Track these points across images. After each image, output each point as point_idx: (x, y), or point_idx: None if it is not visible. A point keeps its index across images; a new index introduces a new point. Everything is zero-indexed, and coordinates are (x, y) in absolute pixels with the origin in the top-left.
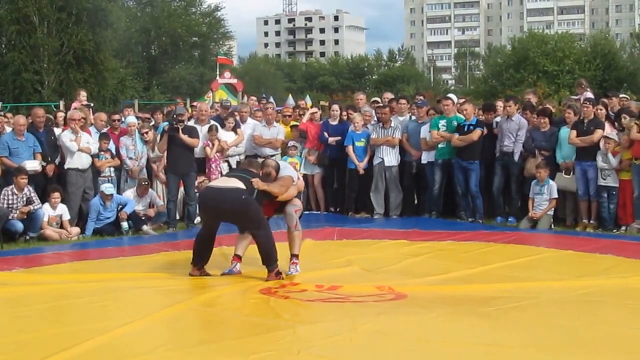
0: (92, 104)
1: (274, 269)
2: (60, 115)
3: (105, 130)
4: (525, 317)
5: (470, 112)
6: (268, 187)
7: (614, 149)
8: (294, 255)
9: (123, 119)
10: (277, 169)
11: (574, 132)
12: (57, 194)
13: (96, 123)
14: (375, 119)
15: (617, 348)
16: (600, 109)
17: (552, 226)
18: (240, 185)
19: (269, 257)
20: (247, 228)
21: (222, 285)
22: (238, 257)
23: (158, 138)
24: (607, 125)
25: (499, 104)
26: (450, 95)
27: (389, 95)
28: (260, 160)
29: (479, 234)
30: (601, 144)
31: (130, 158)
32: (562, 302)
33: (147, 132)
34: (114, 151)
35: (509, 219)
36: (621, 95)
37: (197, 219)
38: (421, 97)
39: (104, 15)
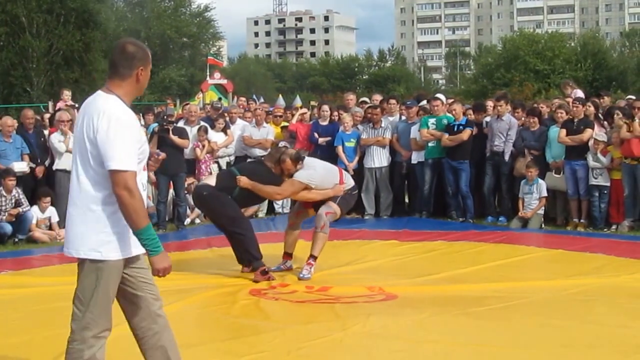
0: (76, 105)
1: (258, 268)
2: (47, 116)
3: None
4: (515, 317)
5: (459, 112)
6: (254, 187)
7: (603, 149)
8: (311, 256)
9: None
10: (296, 157)
11: (564, 131)
12: (47, 199)
13: None
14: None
15: (607, 347)
16: (589, 106)
17: (543, 225)
18: (210, 181)
19: (243, 257)
20: (222, 225)
21: (211, 287)
22: (288, 255)
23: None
24: (595, 126)
25: (489, 103)
26: (439, 95)
27: (377, 97)
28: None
29: (469, 233)
30: (590, 144)
31: None
32: (553, 302)
33: None
34: None
35: (500, 219)
36: (628, 97)
37: (187, 220)
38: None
39: (92, 16)
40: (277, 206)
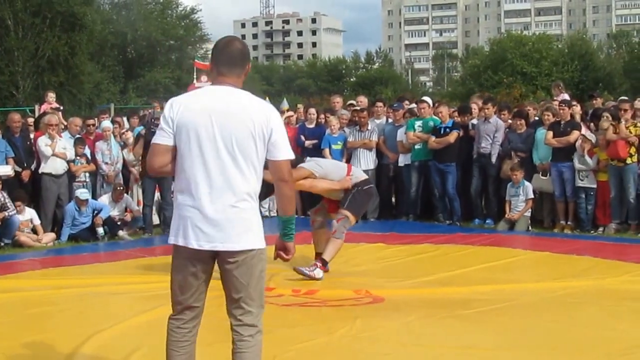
0: (61, 107)
1: None
2: (31, 120)
3: (80, 135)
4: (503, 319)
5: (446, 115)
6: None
7: (589, 150)
8: (320, 259)
9: (98, 123)
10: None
11: (550, 133)
12: (18, 202)
13: (71, 128)
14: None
15: (594, 349)
16: (575, 105)
17: (530, 228)
18: None
19: None
20: None
21: None
22: (319, 255)
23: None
24: (583, 127)
25: (474, 105)
26: (425, 98)
27: (362, 99)
28: None
29: (456, 236)
30: (577, 145)
31: (106, 163)
32: (540, 304)
33: (125, 133)
34: (89, 156)
35: (487, 221)
36: (621, 98)
37: None
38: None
39: (79, 19)
40: (264, 209)
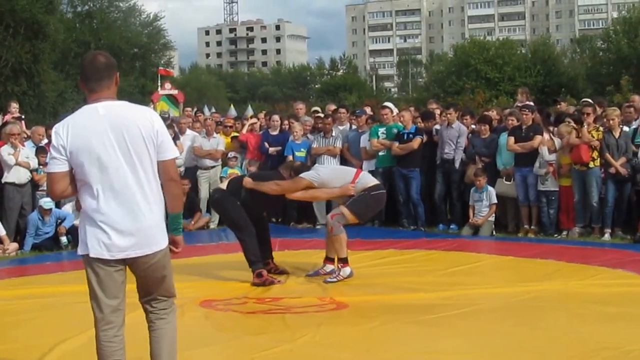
0: (23, 116)
1: (254, 271)
2: None
3: (43, 144)
4: (466, 324)
5: (409, 120)
6: (256, 185)
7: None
8: (339, 260)
9: None
10: (296, 169)
11: (512, 139)
12: None
13: (34, 137)
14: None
15: (557, 353)
16: (536, 111)
17: (494, 232)
18: (223, 185)
19: (247, 260)
20: (229, 228)
21: None
22: (328, 259)
23: None
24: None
25: (437, 109)
26: (387, 103)
27: (332, 107)
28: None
29: (421, 241)
30: (540, 149)
31: None
32: (504, 309)
33: None
34: None
35: (451, 226)
36: (583, 100)
37: None
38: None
39: (42, 27)
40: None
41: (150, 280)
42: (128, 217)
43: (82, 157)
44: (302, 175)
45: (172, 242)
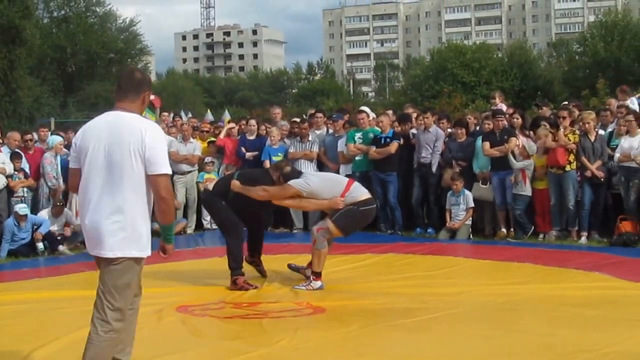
0: None
1: (232, 277)
2: None
3: (17, 149)
4: (442, 328)
5: (386, 125)
6: (243, 189)
7: (522, 151)
8: (312, 273)
9: (37, 137)
10: (285, 175)
11: (487, 144)
12: None
13: (10, 143)
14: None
15: (534, 356)
16: (517, 119)
17: (471, 236)
18: (210, 186)
19: (228, 265)
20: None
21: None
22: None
23: None
24: (520, 135)
25: (414, 113)
26: (364, 108)
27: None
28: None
29: (398, 245)
30: (516, 152)
31: (54, 177)
32: (480, 312)
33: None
34: (27, 171)
35: (428, 230)
36: (563, 103)
37: None
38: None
39: (19, 32)
40: (206, 222)
41: (102, 284)
42: (94, 219)
43: (82, 157)
44: (290, 182)
45: (161, 249)
